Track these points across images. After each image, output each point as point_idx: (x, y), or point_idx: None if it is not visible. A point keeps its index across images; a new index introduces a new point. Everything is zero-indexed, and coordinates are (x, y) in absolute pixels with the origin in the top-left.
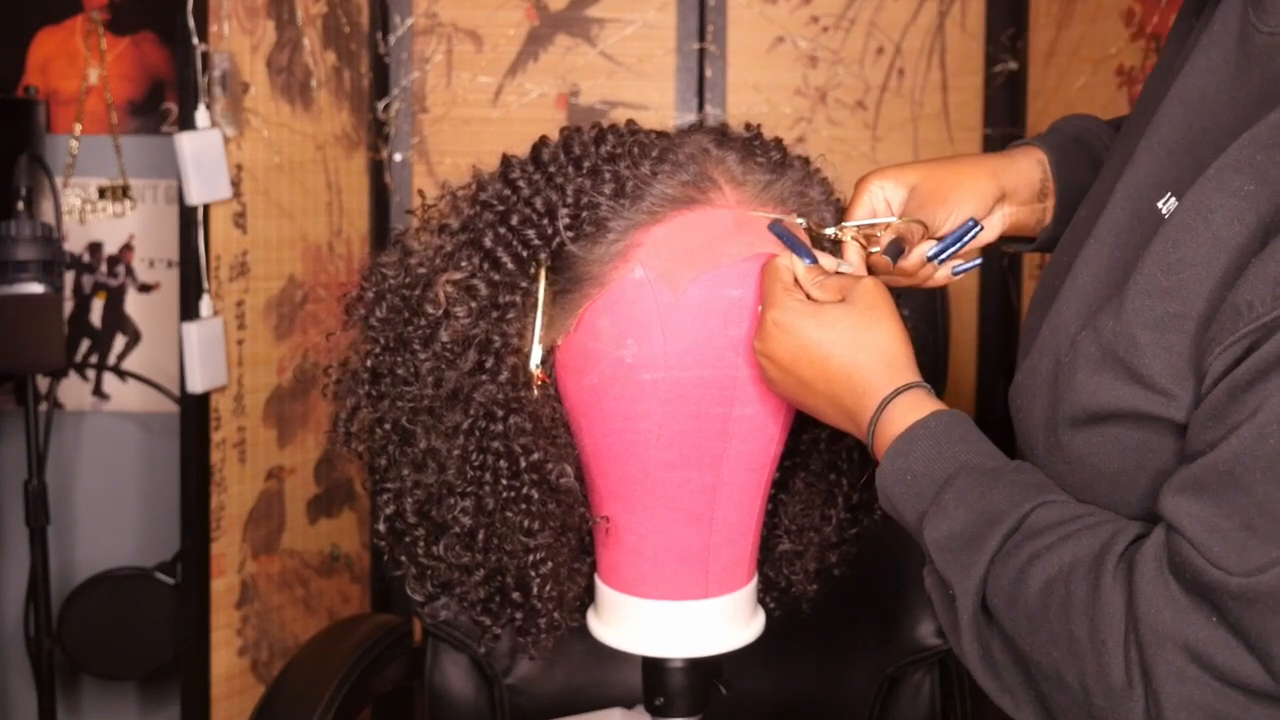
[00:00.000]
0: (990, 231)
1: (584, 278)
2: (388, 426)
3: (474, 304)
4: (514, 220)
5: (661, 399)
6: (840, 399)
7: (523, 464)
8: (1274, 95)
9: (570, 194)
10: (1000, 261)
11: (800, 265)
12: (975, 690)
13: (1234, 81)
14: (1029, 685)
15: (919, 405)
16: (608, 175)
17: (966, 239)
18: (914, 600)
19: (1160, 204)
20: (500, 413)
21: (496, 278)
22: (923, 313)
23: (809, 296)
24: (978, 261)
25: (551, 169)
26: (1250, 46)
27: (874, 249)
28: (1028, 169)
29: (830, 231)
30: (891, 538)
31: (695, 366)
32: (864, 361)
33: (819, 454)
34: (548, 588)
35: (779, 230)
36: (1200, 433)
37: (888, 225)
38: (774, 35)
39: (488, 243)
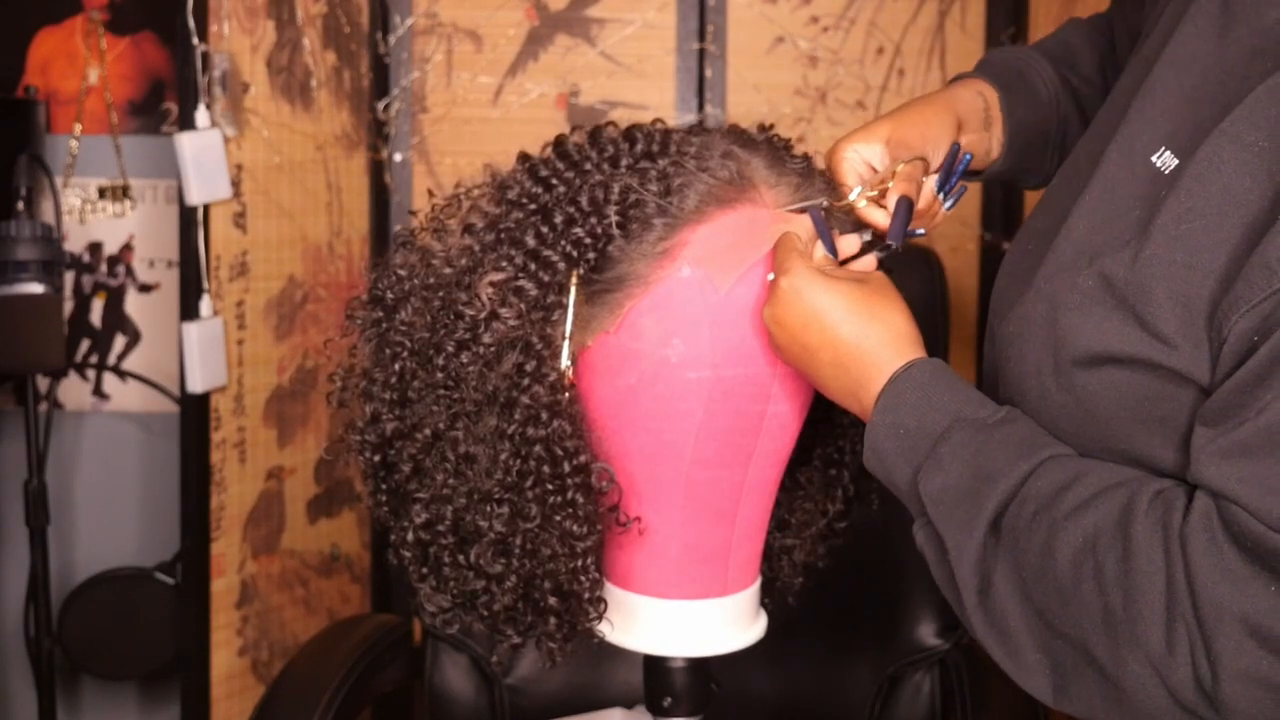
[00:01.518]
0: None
1: (627, 277)
2: (427, 433)
3: (522, 305)
4: (557, 219)
5: (705, 397)
6: (847, 370)
7: (566, 468)
8: (1265, 49)
9: (617, 191)
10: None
11: (821, 250)
12: (975, 690)
13: (1219, 40)
14: (1038, 647)
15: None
16: (653, 173)
17: (960, 165)
18: (914, 600)
19: (1155, 158)
20: (544, 416)
21: (546, 278)
22: (923, 312)
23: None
24: (964, 189)
25: (587, 167)
26: (1234, 6)
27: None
28: (970, 99)
29: (854, 196)
30: (892, 538)
31: (740, 364)
32: (875, 334)
33: (821, 448)
34: (597, 592)
35: (817, 216)
36: (1240, 399)
37: (894, 174)
38: (774, 35)
39: (531, 242)
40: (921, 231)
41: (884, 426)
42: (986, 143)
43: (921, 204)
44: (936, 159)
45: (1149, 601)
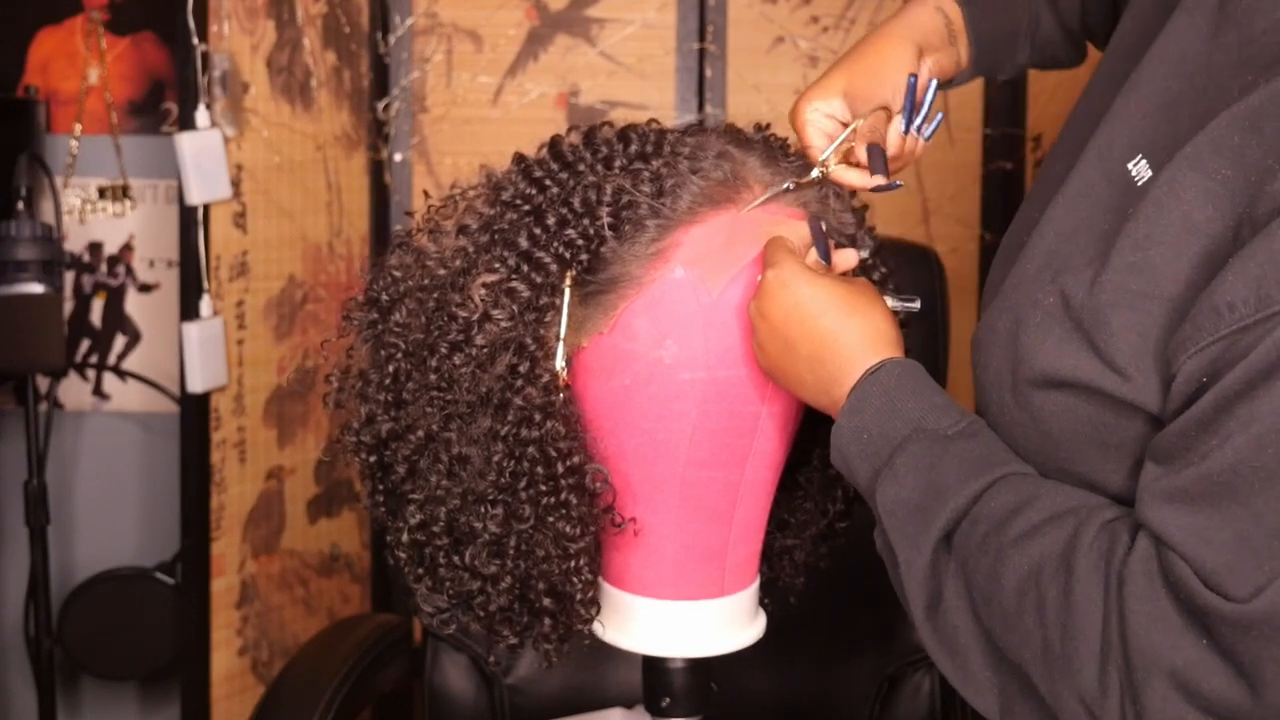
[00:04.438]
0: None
1: (621, 278)
2: (420, 434)
3: (514, 306)
4: (550, 220)
5: (699, 399)
6: (824, 363)
7: (560, 469)
8: (1251, 59)
9: (609, 192)
10: None
11: (813, 255)
12: None
13: (1210, 42)
14: (988, 666)
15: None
16: (646, 174)
17: (925, 97)
18: None
19: (1130, 165)
20: (538, 417)
21: (538, 279)
22: (923, 312)
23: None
24: (940, 116)
25: (580, 167)
26: (1230, 6)
27: (855, 161)
28: (929, 18)
29: (815, 173)
30: None
31: (734, 365)
32: (854, 327)
33: (820, 449)
34: (590, 594)
35: (816, 226)
36: (1185, 442)
37: (855, 130)
38: (774, 35)
39: (524, 243)
40: (899, 183)
41: (848, 429)
42: (953, 57)
43: (893, 150)
44: (898, 101)
45: (1085, 640)
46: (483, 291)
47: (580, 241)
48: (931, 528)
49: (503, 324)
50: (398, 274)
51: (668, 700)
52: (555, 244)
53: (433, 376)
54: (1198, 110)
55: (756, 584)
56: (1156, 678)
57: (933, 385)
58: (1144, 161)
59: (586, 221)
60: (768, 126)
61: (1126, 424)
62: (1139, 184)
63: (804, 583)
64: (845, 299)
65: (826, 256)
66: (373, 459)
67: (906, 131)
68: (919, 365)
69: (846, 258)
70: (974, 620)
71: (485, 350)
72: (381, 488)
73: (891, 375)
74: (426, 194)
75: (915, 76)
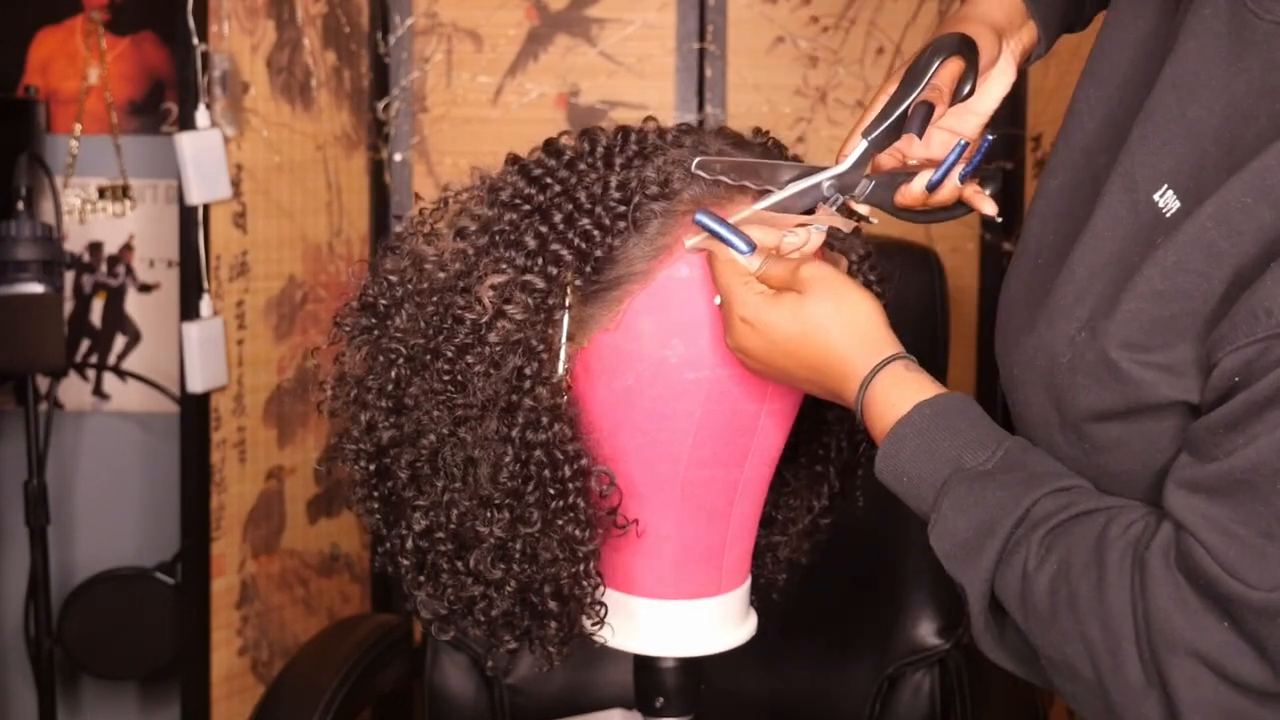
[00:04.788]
0: (1006, 76)
1: (626, 272)
2: (432, 438)
3: (529, 299)
4: (556, 217)
5: (703, 397)
6: (823, 383)
7: (567, 472)
8: (1276, 87)
9: (614, 185)
10: (1001, 263)
11: (740, 257)
12: (975, 690)
13: (1227, 67)
14: (1052, 672)
15: (900, 382)
16: (650, 171)
17: (970, 158)
18: (913, 600)
19: (1157, 196)
20: (545, 420)
21: (554, 271)
22: (923, 312)
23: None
24: (979, 156)
25: (581, 165)
26: (1246, 32)
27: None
28: (1008, 2)
29: (852, 161)
30: (891, 538)
31: (737, 363)
32: (836, 344)
33: (806, 446)
34: (599, 595)
35: (703, 221)
36: (1213, 438)
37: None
38: (774, 35)
39: (531, 242)
40: (871, 220)
41: (888, 471)
42: (1032, 31)
43: (909, 199)
44: (980, 85)
45: (1124, 634)
46: (491, 294)
47: (590, 235)
48: (986, 557)
49: (517, 318)
50: (394, 279)
51: (662, 700)
52: (566, 238)
53: (441, 381)
54: (1223, 137)
55: (749, 582)
56: (1181, 657)
57: (965, 418)
58: (1170, 192)
59: (593, 216)
60: (767, 133)
61: (1174, 429)
62: (1167, 215)
63: (786, 579)
64: (817, 319)
65: (743, 239)
66: (372, 467)
67: (932, 188)
68: (950, 399)
69: (768, 237)
70: (1026, 635)
71: (498, 348)
72: (376, 495)
73: (923, 416)
74: (418, 196)
75: (962, 144)
